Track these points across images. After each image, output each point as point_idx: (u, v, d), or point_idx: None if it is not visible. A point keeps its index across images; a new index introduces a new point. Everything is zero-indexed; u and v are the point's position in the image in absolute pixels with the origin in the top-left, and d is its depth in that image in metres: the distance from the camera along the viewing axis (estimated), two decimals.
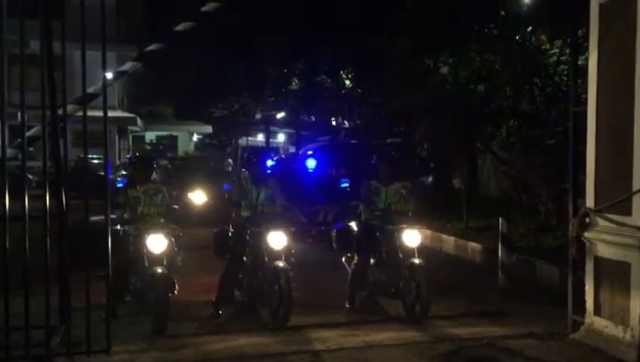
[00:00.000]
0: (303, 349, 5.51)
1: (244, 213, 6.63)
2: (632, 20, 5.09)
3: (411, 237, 6.52)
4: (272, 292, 6.14)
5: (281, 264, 6.12)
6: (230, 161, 24.34)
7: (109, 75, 5.68)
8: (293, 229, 6.58)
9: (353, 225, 7.03)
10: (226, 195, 7.25)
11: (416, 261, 6.32)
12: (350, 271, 6.94)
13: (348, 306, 6.81)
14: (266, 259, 6.28)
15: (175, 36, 5.57)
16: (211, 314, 6.50)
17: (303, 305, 6.52)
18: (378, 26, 14.69)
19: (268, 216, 6.49)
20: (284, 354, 5.38)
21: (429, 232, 10.95)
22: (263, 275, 6.36)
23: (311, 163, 11.44)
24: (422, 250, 6.53)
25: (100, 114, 5.12)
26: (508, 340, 5.68)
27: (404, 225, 6.57)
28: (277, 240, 6.31)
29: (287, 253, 6.32)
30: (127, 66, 5.90)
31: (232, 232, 6.73)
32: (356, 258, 6.90)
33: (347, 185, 11.97)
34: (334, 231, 7.42)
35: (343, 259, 7.19)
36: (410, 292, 6.31)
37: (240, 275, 6.66)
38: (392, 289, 6.56)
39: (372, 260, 6.83)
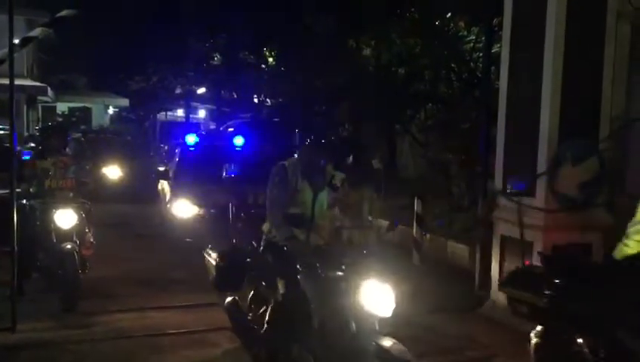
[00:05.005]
0: (222, 326, 5.47)
1: (298, 234, 3.98)
2: (543, 9, 5.34)
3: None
4: None
5: (388, 342, 3.52)
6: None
7: (17, 41, 5.36)
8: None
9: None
10: (267, 194, 4.19)
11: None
12: None
13: None
14: (353, 328, 3.57)
15: (89, 2, 5.33)
16: None
17: None
18: (302, 3, 14.64)
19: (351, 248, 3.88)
20: (203, 331, 5.34)
21: None
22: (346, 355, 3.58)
23: (239, 140, 10.67)
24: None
25: (6, 82, 4.87)
26: (420, 316, 5.90)
27: None
28: (379, 297, 3.60)
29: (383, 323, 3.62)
30: (37, 32, 5.62)
31: (264, 261, 4.16)
32: None
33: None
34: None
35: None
36: None
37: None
38: None
39: None
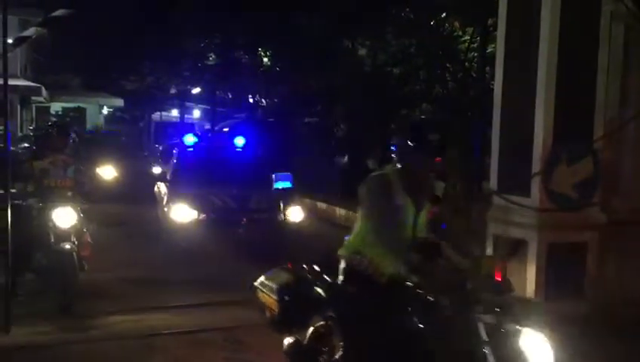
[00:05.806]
0: (216, 326, 5.47)
1: (394, 264, 3.19)
2: (537, 8, 5.36)
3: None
4: None
5: None
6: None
7: (10, 41, 5.35)
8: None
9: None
10: (367, 213, 3.36)
11: None
12: None
13: None
14: None
15: (83, 1, 5.32)
16: None
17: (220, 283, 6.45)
18: (298, 3, 14.65)
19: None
20: (197, 332, 5.34)
21: (343, 211, 11.16)
22: None
23: (240, 141, 10.20)
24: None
25: (0, 82, 4.85)
26: None
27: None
28: (535, 350, 2.97)
29: None
30: (31, 32, 5.60)
31: (346, 294, 3.38)
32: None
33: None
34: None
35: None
36: None
37: None
38: None
39: None
